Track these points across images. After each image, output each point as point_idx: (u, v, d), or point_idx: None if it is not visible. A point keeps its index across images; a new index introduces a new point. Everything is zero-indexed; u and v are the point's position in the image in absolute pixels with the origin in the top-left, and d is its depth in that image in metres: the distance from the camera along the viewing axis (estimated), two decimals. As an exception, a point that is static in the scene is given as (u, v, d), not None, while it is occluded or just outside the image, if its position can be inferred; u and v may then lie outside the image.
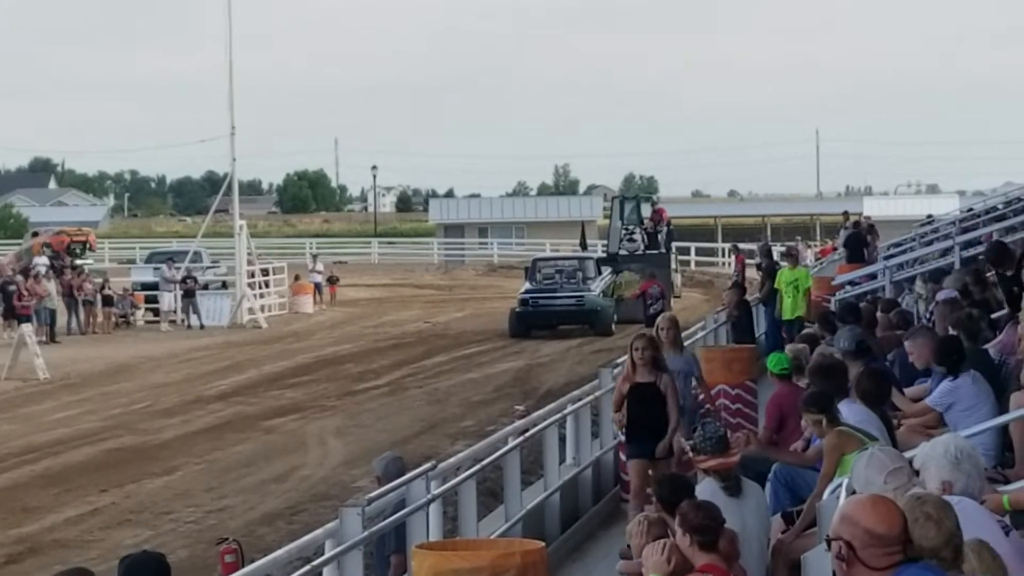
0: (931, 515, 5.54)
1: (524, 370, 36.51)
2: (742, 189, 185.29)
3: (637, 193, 70.43)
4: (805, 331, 18.58)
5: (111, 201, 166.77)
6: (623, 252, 50.07)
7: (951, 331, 12.79)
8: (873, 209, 71.78)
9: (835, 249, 50.61)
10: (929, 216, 44.42)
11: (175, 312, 51.67)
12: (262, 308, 52.67)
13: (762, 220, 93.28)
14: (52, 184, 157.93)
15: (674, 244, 55.24)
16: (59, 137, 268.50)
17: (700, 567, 7.73)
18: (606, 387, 16.84)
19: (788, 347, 15.34)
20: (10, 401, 33.35)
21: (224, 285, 55.06)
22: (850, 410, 10.70)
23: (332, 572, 10.16)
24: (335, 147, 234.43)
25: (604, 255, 51.31)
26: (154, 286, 52.81)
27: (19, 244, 61.58)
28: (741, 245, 54.11)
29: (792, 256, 28.66)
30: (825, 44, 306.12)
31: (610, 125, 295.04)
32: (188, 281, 51.55)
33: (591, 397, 17.30)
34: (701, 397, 16.40)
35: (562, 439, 16.55)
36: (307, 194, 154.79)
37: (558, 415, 16.29)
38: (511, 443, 14.46)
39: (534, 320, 44.68)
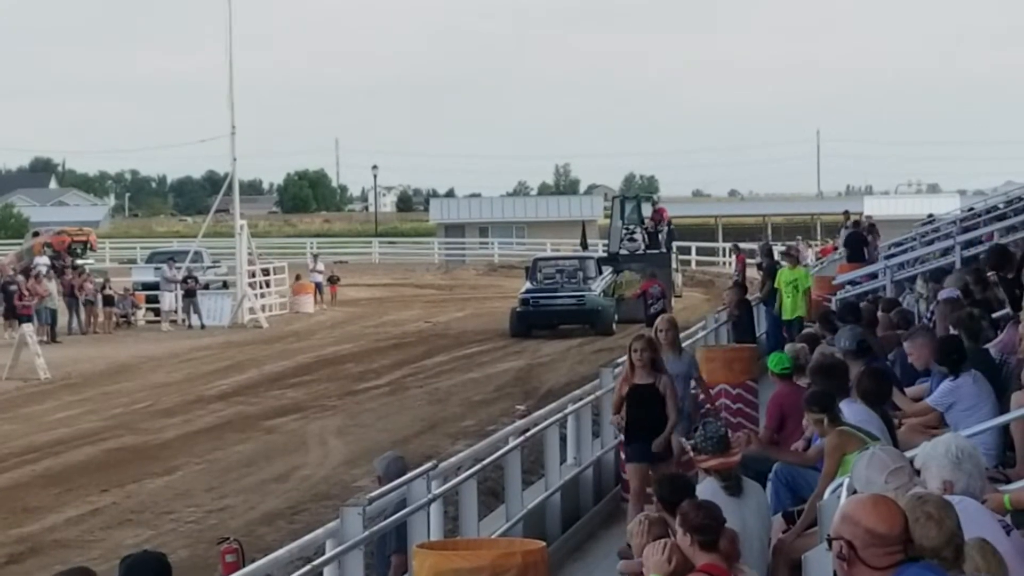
0: (932, 515, 5.54)
1: (525, 370, 36.51)
2: (743, 189, 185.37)
3: (638, 193, 70.41)
4: (806, 331, 18.58)
5: (112, 201, 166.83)
6: (624, 252, 50.06)
7: (952, 330, 12.79)
8: (874, 208, 71.81)
9: (836, 249, 50.60)
10: (930, 215, 44.38)
11: (176, 312, 51.68)
12: (263, 308, 52.69)
13: (763, 220, 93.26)
14: (53, 184, 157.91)
15: (675, 244, 55.23)
16: (59, 137, 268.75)
17: (701, 567, 7.72)
18: (607, 387, 16.83)
19: (787, 346, 15.34)
20: (11, 401, 33.37)
21: (225, 285, 55.09)
22: (851, 410, 10.70)
23: (333, 572, 10.16)
24: (335, 147, 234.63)
25: (605, 255, 51.29)
26: (155, 286, 52.84)
27: (20, 244, 61.56)
28: (742, 245, 54.03)
29: (792, 256, 28.63)
30: (825, 44, 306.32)
31: (610, 125, 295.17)
32: (189, 281, 51.57)
33: (592, 397, 17.29)
34: (701, 398, 16.40)
35: (563, 439, 16.55)
36: (308, 194, 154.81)
37: (559, 415, 16.29)
38: (512, 443, 14.46)
39: (535, 320, 44.68)
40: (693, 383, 15.83)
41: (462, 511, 12.89)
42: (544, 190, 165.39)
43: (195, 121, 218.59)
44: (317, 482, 23.19)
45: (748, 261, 46.99)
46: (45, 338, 43.81)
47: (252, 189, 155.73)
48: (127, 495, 22.54)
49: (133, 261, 71.56)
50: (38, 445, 26.90)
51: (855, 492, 6.69)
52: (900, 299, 20.31)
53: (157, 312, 52.38)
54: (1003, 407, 10.66)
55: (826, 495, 9.02)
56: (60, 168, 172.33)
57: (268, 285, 56.44)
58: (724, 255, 73.73)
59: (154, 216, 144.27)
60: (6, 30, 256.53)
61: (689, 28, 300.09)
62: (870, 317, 16.44)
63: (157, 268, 54.12)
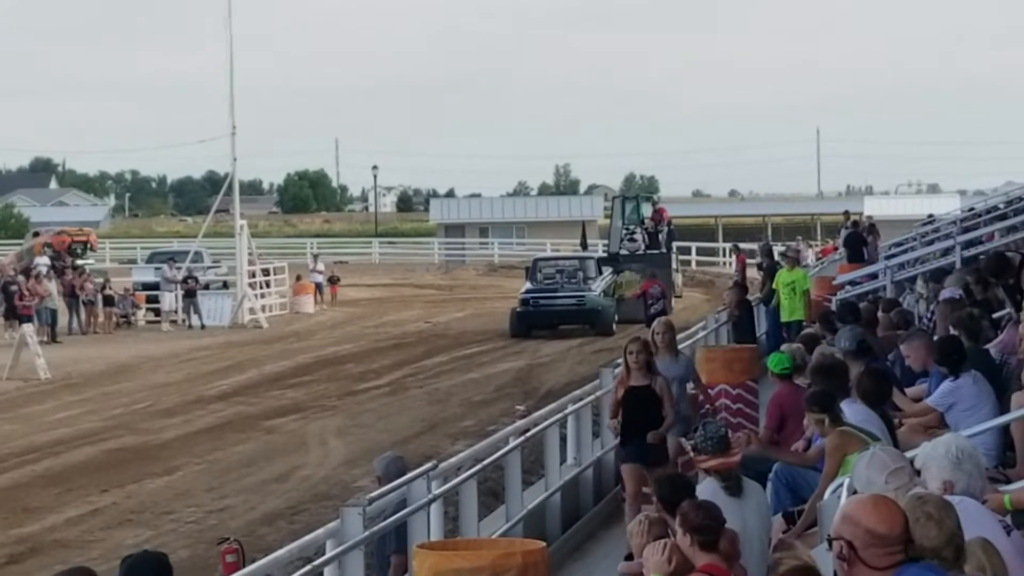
0: (932, 515, 5.54)
1: (525, 370, 36.51)
2: (743, 189, 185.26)
3: (638, 193, 70.44)
4: (805, 331, 18.57)
5: (112, 201, 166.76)
6: (624, 252, 50.08)
7: (952, 331, 12.78)
8: (874, 209, 71.84)
9: (836, 249, 50.61)
10: (930, 216, 44.35)
11: (176, 312, 51.68)
12: (263, 308, 52.69)
13: (763, 220, 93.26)
14: (53, 184, 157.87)
15: (675, 244, 55.27)
16: (59, 137, 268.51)
17: (701, 567, 7.72)
18: (607, 387, 16.82)
19: (784, 346, 15.33)
20: (11, 401, 33.37)
21: (225, 285, 55.09)
22: (851, 410, 10.70)
23: (333, 572, 10.16)
24: (335, 147, 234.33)
25: (605, 255, 51.32)
26: (155, 286, 52.84)
27: (20, 244, 61.56)
28: (742, 245, 54.02)
29: (790, 257, 28.52)
30: (825, 44, 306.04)
31: (610, 125, 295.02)
32: (189, 281, 51.58)
33: (592, 397, 17.30)
34: (700, 399, 16.39)
35: (563, 439, 16.56)
36: (308, 194, 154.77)
37: (559, 415, 16.30)
38: (512, 443, 14.47)
39: (535, 320, 44.68)
40: (691, 385, 15.82)
41: (462, 511, 12.90)
42: (544, 190, 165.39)
43: (195, 121, 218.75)
44: (317, 482, 23.20)
45: (748, 261, 47.00)
46: (45, 338, 43.82)
47: (252, 189, 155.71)
48: (127, 495, 22.54)
49: (133, 261, 71.57)
50: (38, 445, 26.90)
51: (855, 492, 6.69)
52: (900, 299, 20.29)
53: (157, 312, 52.38)
54: (1003, 407, 10.66)
55: (826, 495, 9.03)
56: (60, 168, 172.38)
57: (268, 285, 56.45)
58: (724, 255, 73.74)
59: (154, 216, 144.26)
60: (6, 30, 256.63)
61: (689, 28, 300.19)
62: (870, 317, 16.43)
63: (157, 268, 54.12)
